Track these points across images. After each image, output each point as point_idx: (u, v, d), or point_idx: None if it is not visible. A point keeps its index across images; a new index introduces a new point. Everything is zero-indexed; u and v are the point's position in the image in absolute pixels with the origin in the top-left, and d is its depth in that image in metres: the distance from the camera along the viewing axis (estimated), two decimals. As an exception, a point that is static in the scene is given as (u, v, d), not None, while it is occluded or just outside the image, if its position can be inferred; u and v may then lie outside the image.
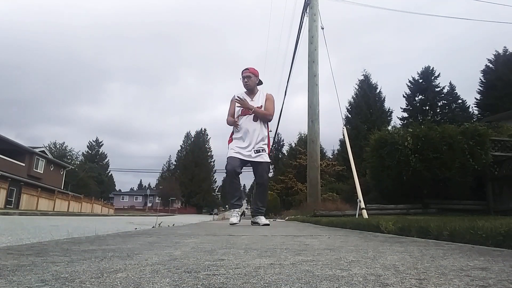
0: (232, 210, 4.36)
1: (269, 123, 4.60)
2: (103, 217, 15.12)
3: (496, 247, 1.48)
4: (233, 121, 4.41)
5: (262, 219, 4.36)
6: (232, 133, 4.50)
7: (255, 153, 4.26)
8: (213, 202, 64.70)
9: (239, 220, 4.26)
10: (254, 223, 4.37)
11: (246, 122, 4.36)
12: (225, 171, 4.40)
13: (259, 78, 4.60)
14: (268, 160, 4.36)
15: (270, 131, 4.73)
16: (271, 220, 10.11)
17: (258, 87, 4.59)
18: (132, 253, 1.21)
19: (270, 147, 4.62)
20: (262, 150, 4.30)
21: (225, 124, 4.61)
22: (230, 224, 4.04)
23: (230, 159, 4.28)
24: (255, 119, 4.36)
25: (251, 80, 4.47)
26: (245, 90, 4.55)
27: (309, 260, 1.05)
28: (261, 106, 4.42)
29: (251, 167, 4.42)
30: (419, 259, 1.09)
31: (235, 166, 4.22)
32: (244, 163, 4.32)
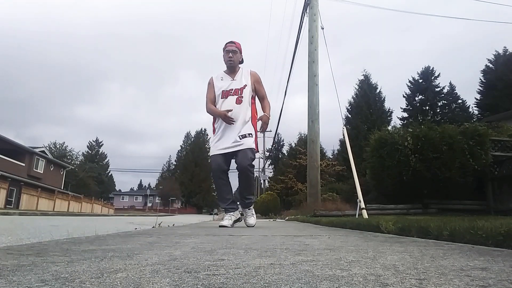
0: (227, 213, 3.83)
1: (253, 104, 3.99)
2: (103, 217, 15.12)
3: (496, 247, 1.49)
4: (217, 112, 3.82)
5: (251, 219, 3.89)
6: (214, 121, 3.98)
7: (239, 139, 3.72)
8: (213, 202, 64.63)
9: (232, 225, 3.67)
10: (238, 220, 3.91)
11: (229, 106, 3.81)
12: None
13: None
14: (252, 146, 3.77)
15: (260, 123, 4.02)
16: (271, 220, 10.11)
17: (239, 65, 4.04)
18: (132, 253, 1.21)
19: (258, 131, 3.97)
20: (249, 134, 3.77)
21: None
22: (220, 226, 3.64)
23: (213, 158, 3.85)
24: (238, 102, 3.81)
25: (236, 56, 3.90)
26: (225, 69, 3.99)
27: (309, 260, 1.05)
28: (245, 85, 3.86)
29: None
30: (419, 259, 1.09)
31: (219, 164, 3.77)
32: (228, 157, 3.83)
